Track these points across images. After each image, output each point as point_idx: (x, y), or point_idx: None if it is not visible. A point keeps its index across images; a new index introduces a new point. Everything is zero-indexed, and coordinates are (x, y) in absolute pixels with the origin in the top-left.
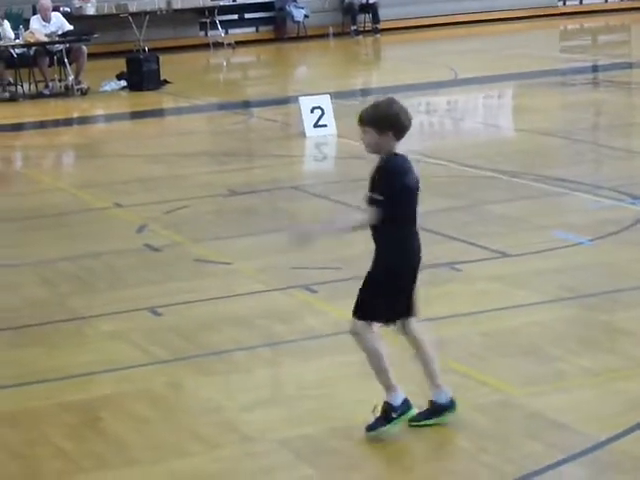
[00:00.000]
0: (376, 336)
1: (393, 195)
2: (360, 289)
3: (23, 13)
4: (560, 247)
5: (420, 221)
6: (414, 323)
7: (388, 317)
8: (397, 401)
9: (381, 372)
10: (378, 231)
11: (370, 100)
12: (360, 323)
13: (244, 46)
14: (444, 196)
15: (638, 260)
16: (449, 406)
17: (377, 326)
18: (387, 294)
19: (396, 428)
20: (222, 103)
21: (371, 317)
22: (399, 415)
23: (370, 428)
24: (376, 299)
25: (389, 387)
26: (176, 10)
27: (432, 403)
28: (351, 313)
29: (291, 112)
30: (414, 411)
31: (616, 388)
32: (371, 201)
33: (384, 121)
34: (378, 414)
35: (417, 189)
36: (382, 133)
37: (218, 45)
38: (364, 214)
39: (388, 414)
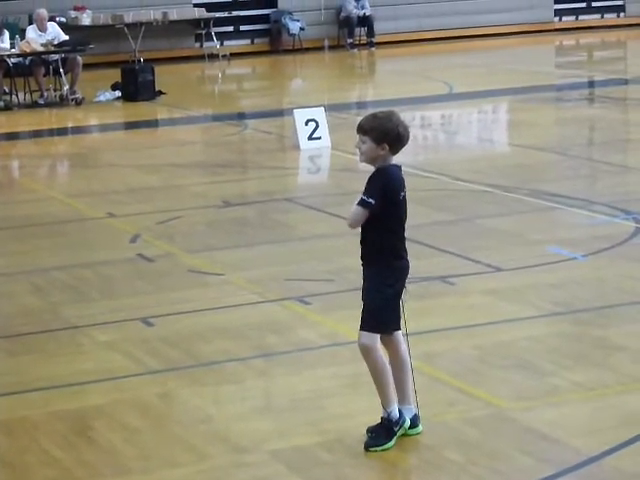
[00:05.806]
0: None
1: (375, 195)
2: (364, 302)
3: (19, 23)
4: (553, 262)
5: (413, 234)
6: (400, 335)
7: (392, 326)
8: (396, 414)
9: (388, 386)
10: (366, 238)
11: (364, 113)
12: (369, 335)
13: (239, 58)
14: (438, 209)
15: (631, 276)
16: (402, 422)
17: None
18: (387, 301)
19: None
20: (217, 114)
21: (378, 328)
22: (399, 428)
23: (372, 445)
24: (380, 308)
25: (390, 401)
26: (172, 21)
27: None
28: (359, 327)
29: (285, 124)
30: (408, 421)
31: (609, 403)
32: (358, 201)
33: (382, 132)
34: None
35: (403, 200)
36: (378, 144)
37: (213, 57)
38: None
39: (389, 429)
